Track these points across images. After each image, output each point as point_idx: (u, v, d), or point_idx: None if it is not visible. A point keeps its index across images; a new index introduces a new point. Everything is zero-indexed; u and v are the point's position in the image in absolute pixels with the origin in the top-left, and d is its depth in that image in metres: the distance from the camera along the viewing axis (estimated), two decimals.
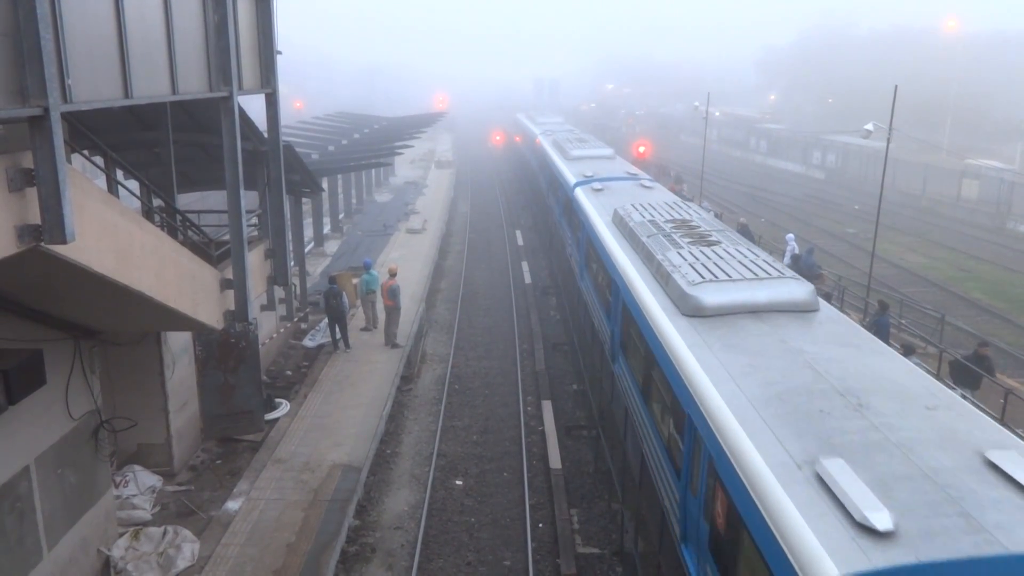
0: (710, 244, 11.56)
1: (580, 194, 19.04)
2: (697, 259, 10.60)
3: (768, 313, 9.09)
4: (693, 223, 13.29)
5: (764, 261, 10.46)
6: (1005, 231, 39.66)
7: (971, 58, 59.76)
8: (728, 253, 10.89)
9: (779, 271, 9.95)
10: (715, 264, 10.28)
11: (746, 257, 10.60)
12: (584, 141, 29.82)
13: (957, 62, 57.03)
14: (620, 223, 14.43)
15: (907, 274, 30.03)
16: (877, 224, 22.18)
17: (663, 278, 10.49)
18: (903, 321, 21.98)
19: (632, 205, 15.08)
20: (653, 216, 13.96)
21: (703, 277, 9.69)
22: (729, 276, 9.69)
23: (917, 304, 24.31)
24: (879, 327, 15.94)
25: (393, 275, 20.16)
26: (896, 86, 19.50)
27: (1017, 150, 49.77)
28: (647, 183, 19.92)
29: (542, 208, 32.47)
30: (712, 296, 9.23)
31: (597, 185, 19.29)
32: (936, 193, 46.29)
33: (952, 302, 26.16)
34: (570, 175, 21.87)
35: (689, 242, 11.69)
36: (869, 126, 23.82)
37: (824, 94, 73.10)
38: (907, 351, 14.22)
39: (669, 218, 13.79)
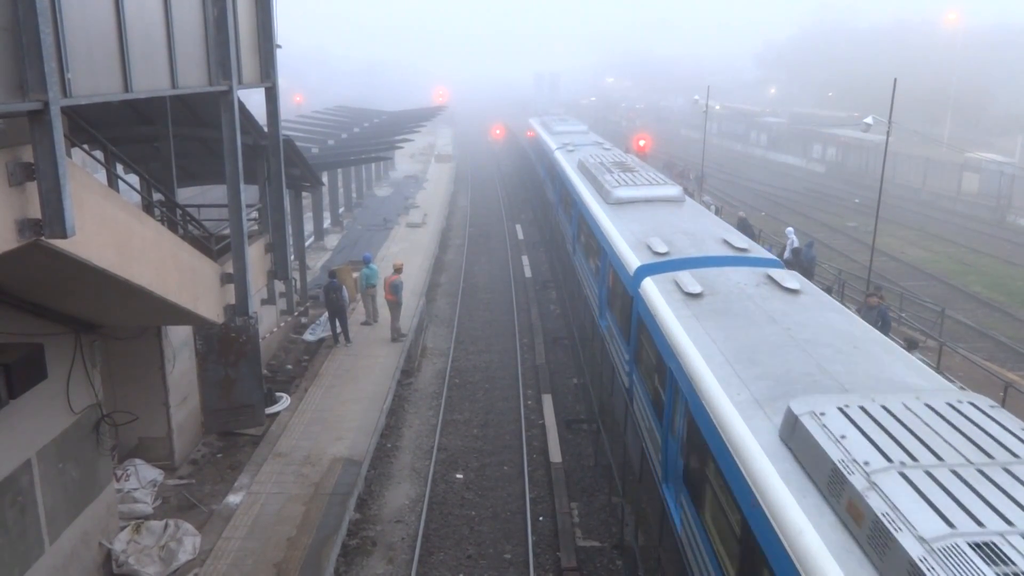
0: None
1: (655, 299, 10.69)
2: None
3: None
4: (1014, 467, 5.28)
5: None
6: (1005, 224, 39.69)
7: (971, 51, 59.80)
8: None
9: None
10: None
11: None
12: (628, 169, 19.54)
13: (957, 55, 57.02)
14: (805, 448, 6.08)
15: (907, 268, 30.06)
16: (877, 218, 22.21)
17: None
18: (903, 315, 22.01)
19: (815, 412, 6.24)
20: (896, 434, 5.83)
21: None
22: None
23: (917, 298, 24.34)
24: (881, 318, 15.93)
25: (398, 271, 20.13)
26: (896, 79, 19.49)
27: (1017, 143, 49.72)
28: (778, 276, 10.80)
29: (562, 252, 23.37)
30: None
31: (686, 280, 10.75)
32: (936, 187, 46.28)
33: (952, 296, 26.19)
34: (626, 248, 13.24)
35: None
36: (869, 119, 23.85)
37: (824, 87, 73.08)
38: (910, 345, 14.21)
39: (957, 456, 5.47)
